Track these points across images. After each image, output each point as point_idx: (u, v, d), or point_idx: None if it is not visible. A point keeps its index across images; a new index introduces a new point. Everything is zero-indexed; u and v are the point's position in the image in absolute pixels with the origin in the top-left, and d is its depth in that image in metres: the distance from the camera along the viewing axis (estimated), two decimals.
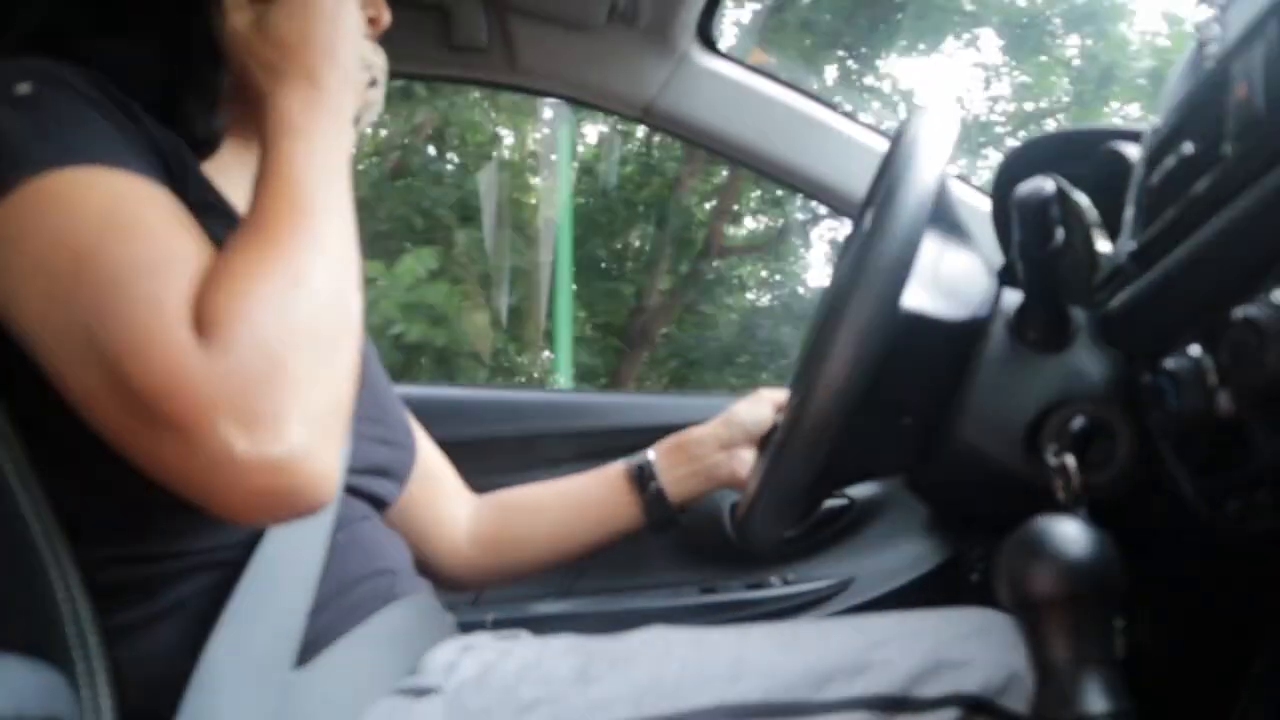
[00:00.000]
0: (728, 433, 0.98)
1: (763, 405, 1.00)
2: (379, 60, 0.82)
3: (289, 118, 0.66)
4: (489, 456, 1.23)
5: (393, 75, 0.86)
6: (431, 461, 0.99)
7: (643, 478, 0.98)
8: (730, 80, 1.34)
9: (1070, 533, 0.54)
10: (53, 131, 0.62)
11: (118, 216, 0.60)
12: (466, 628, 0.84)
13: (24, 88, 0.64)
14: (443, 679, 0.69)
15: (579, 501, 1.00)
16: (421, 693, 0.68)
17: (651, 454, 0.99)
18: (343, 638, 0.70)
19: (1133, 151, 0.74)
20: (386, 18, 0.85)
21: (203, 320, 0.56)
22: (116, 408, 0.56)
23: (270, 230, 0.61)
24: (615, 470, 1.00)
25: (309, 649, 0.68)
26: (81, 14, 0.75)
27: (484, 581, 1.03)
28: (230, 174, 0.81)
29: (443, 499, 1.00)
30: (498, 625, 0.92)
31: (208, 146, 0.77)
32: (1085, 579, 0.53)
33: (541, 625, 0.91)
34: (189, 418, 0.53)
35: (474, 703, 0.66)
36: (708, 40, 1.34)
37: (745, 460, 0.97)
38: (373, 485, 0.80)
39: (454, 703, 0.67)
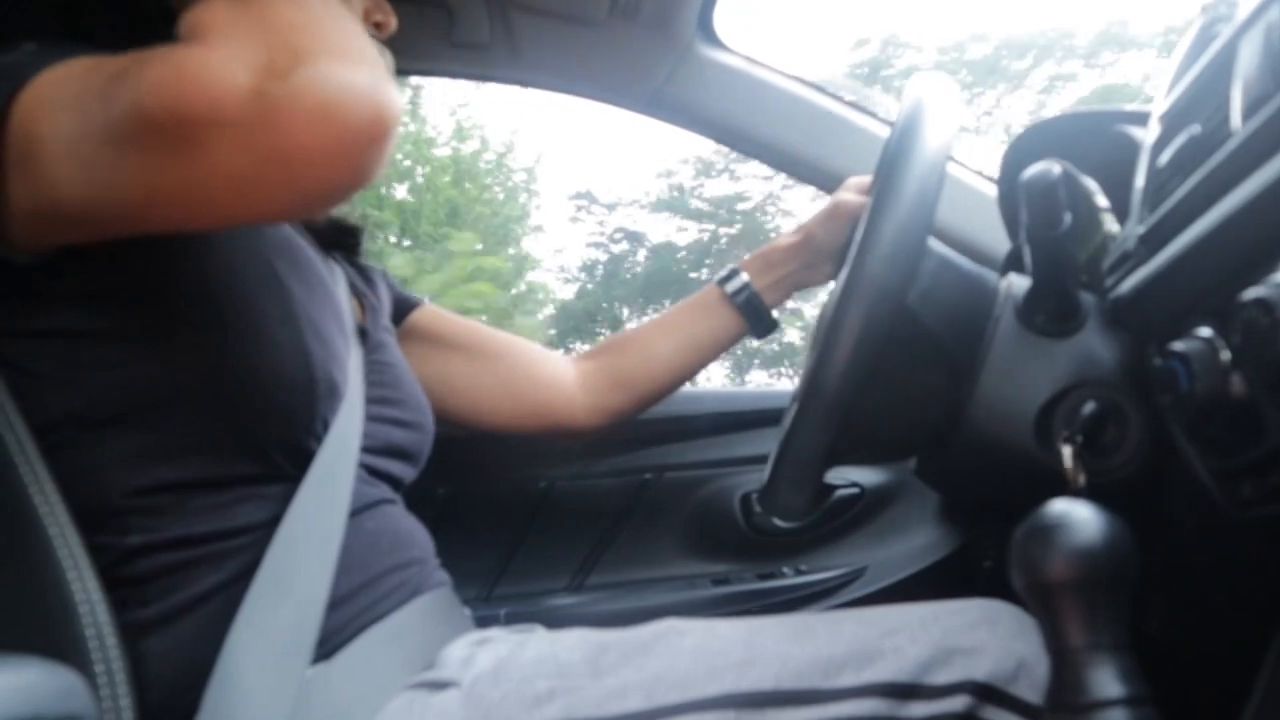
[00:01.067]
0: (806, 250, 1.08)
1: (838, 219, 1.05)
2: (386, 61, 0.83)
3: None
4: (503, 449, 1.24)
5: (397, 72, 0.86)
6: (498, 341, 1.06)
7: (738, 291, 1.07)
8: (734, 71, 1.34)
9: (1084, 517, 0.54)
10: (47, 55, 0.62)
11: (106, 63, 0.58)
12: (482, 622, 0.84)
13: (30, 45, 0.64)
14: (459, 672, 0.70)
15: (686, 327, 1.08)
16: (438, 686, 0.69)
17: (742, 272, 1.09)
18: (363, 634, 0.70)
19: (1140, 133, 0.73)
20: (393, 23, 0.86)
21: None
22: (175, 149, 0.54)
23: None
24: (709, 291, 1.10)
25: (331, 643, 0.68)
26: (92, 14, 0.76)
27: (611, 419, 1.09)
28: None
29: (536, 363, 1.06)
30: (512, 619, 0.92)
31: None
32: (1099, 564, 0.53)
33: (555, 619, 0.91)
34: (226, 96, 0.51)
35: (490, 695, 0.67)
36: (710, 32, 1.33)
37: (823, 269, 1.07)
38: (390, 466, 0.81)
39: (470, 695, 0.67)
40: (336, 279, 0.83)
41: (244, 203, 0.55)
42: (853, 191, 1.07)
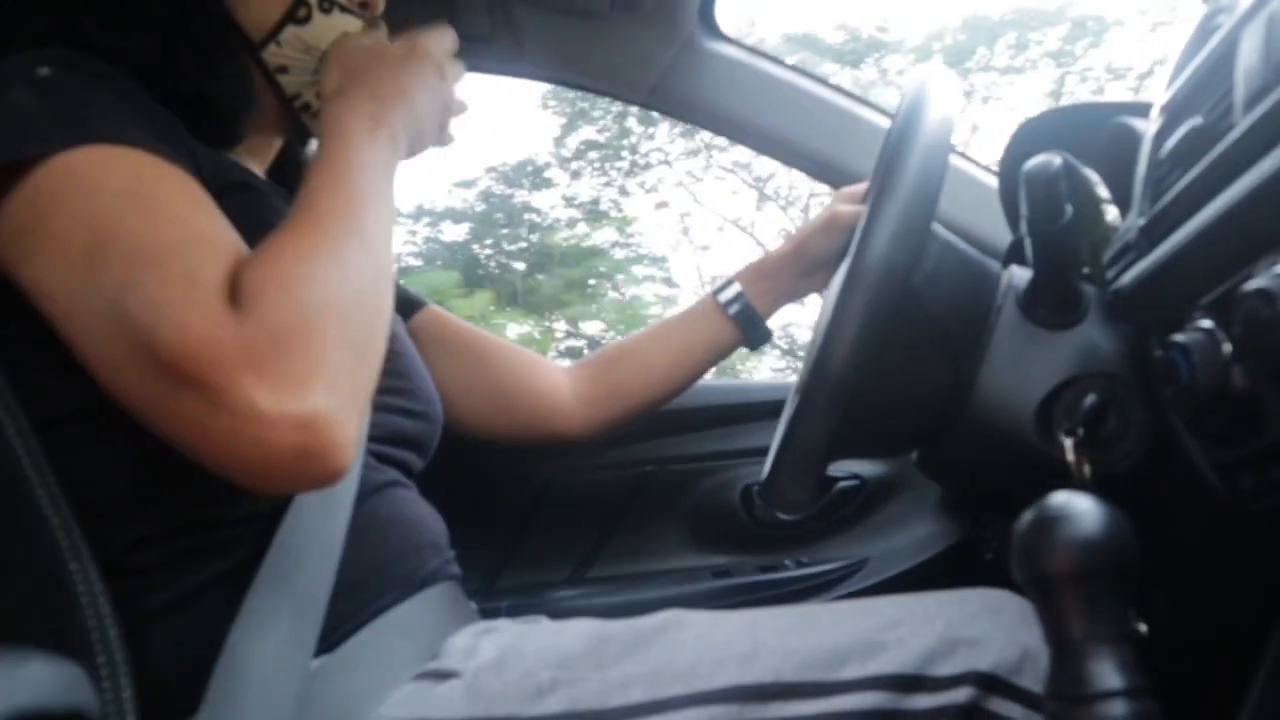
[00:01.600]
0: (800, 259, 1.07)
1: (833, 233, 1.05)
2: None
3: (349, 128, 0.70)
4: (495, 447, 1.24)
5: None
6: (495, 348, 1.07)
7: (731, 301, 1.07)
8: (735, 63, 1.34)
9: (1085, 509, 0.54)
10: (71, 111, 0.64)
11: (140, 194, 0.61)
12: (485, 613, 0.84)
13: (44, 70, 0.66)
14: (462, 662, 0.70)
15: (680, 338, 1.09)
16: (442, 677, 0.69)
17: (736, 281, 1.08)
18: (369, 625, 0.70)
19: (1141, 125, 0.73)
20: (380, 2, 0.86)
21: (240, 292, 0.58)
22: (143, 376, 0.57)
23: (316, 218, 0.64)
24: (703, 300, 1.09)
25: (338, 634, 0.68)
26: (96, 10, 0.76)
27: (604, 429, 1.09)
28: (248, 161, 0.82)
29: (531, 372, 1.07)
30: (515, 611, 0.92)
31: (229, 138, 0.77)
32: (1100, 555, 0.53)
33: (558, 610, 0.92)
34: (215, 373, 0.55)
35: (493, 686, 0.67)
36: (711, 24, 1.33)
37: (817, 278, 1.07)
38: (399, 454, 0.81)
39: (473, 686, 0.67)
40: None
41: (177, 431, 0.59)
42: (847, 201, 1.06)
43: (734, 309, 1.06)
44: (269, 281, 0.58)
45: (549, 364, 1.10)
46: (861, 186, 1.06)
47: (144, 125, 0.66)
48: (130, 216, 0.60)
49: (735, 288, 1.07)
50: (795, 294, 1.09)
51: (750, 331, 1.07)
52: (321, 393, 0.56)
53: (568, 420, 1.06)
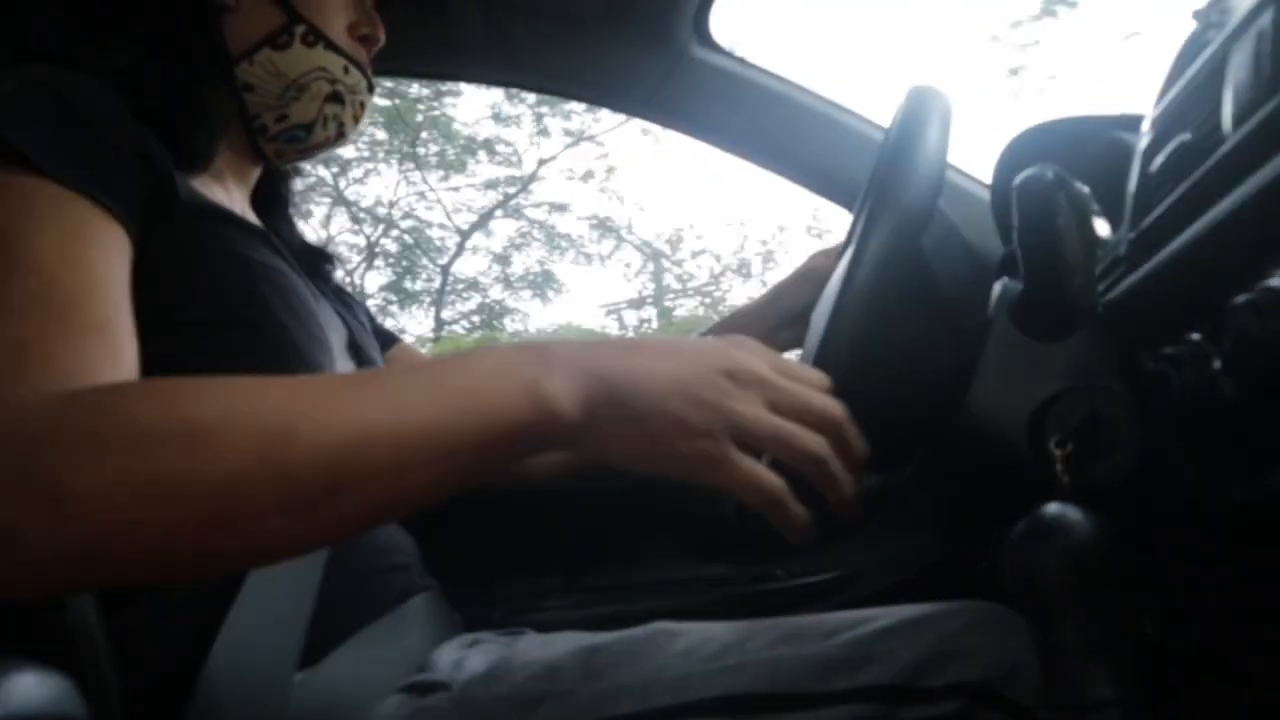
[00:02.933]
0: (774, 312, 1.07)
1: (809, 283, 1.04)
2: (349, 79, 0.83)
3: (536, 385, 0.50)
4: None
5: (391, 74, 0.87)
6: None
7: None
8: (728, 74, 1.34)
9: (1077, 520, 0.54)
10: (9, 130, 0.60)
11: (26, 230, 0.56)
12: (474, 624, 0.84)
13: (6, 86, 0.64)
14: (449, 675, 0.70)
15: None
16: (429, 689, 0.69)
17: (710, 336, 1.04)
18: (351, 637, 0.70)
19: (1132, 139, 0.74)
20: (381, 37, 0.86)
21: (109, 392, 0.48)
22: None
23: (294, 420, 0.46)
24: None
25: (319, 647, 0.68)
26: (76, 26, 0.75)
27: (571, 475, 1.07)
28: (228, 187, 0.82)
29: None
30: (504, 622, 0.92)
31: (201, 159, 0.77)
32: (1092, 566, 0.53)
33: (547, 621, 0.91)
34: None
35: (481, 698, 0.67)
36: (705, 35, 1.33)
37: (789, 333, 1.06)
38: None
39: (461, 698, 0.67)
40: (321, 304, 0.82)
41: None
42: (823, 258, 1.06)
43: None
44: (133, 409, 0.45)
45: None
46: (837, 245, 1.06)
47: (95, 162, 0.62)
48: (16, 246, 0.55)
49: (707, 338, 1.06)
50: (771, 346, 1.08)
51: None
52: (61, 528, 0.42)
53: (534, 467, 1.04)
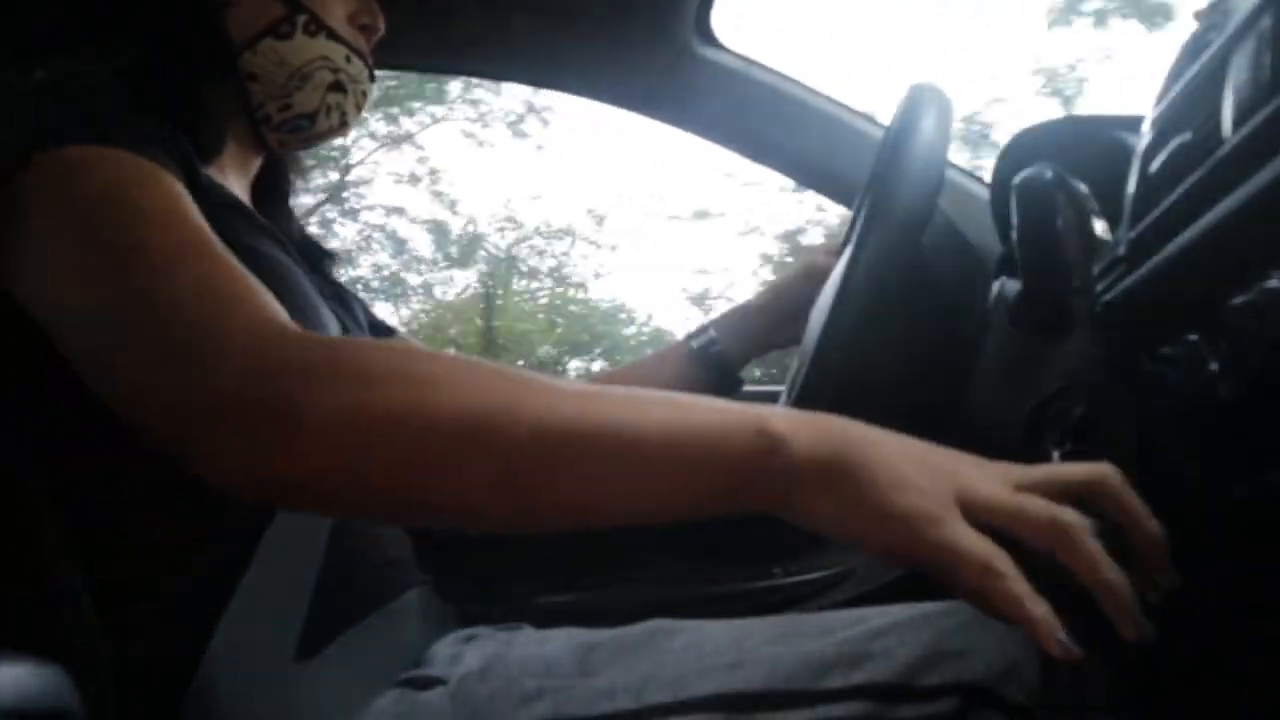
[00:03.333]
0: (776, 309, 1.07)
1: (810, 282, 1.03)
2: (352, 68, 0.83)
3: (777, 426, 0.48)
4: None
5: (392, 67, 0.87)
6: None
7: (704, 347, 1.06)
8: (730, 71, 1.34)
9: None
10: (70, 111, 0.62)
11: (128, 200, 0.59)
12: (469, 620, 0.84)
13: (40, 74, 0.65)
14: (446, 670, 0.70)
15: (647, 381, 1.06)
16: (425, 684, 0.69)
17: (711, 328, 1.07)
18: (347, 631, 0.70)
19: (1132, 139, 0.74)
20: (381, 26, 0.86)
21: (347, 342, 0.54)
22: (149, 361, 0.52)
23: (547, 401, 0.48)
24: (677, 344, 1.09)
25: (314, 642, 0.68)
26: (78, 24, 0.75)
27: None
28: (229, 176, 0.81)
29: None
30: (501, 618, 0.92)
31: (210, 150, 0.77)
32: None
33: (544, 618, 0.91)
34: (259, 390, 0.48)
35: (477, 693, 0.67)
36: (707, 31, 1.33)
37: (792, 329, 1.03)
38: None
39: (457, 694, 0.67)
40: (319, 298, 0.82)
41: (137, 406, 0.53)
42: (824, 255, 1.06)
43: (705, 355, 1.05)
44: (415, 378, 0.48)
45: None
46: (834, 244, 1.06)
47: (142, 133, 0.64)
48: (125, 217, 0.58)
49: (710, 334, 1.06)
50: (771, 343, 1.08)
51: (719, 379, 1.06)
52: (315, 444, 0.47)
53: None
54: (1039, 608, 0.44)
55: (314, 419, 0.46)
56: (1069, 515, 0.46)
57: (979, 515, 0.46)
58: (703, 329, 1.08)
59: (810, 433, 0.48)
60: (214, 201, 0.72)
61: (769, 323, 1.07)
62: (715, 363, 1.06)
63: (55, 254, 0.58)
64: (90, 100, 0.65)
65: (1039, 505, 0.46)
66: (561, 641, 0.72)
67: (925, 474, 0.47)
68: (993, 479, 0.48)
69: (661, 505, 0.48)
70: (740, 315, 1.09)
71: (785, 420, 0.48)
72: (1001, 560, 0.45)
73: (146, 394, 0.52)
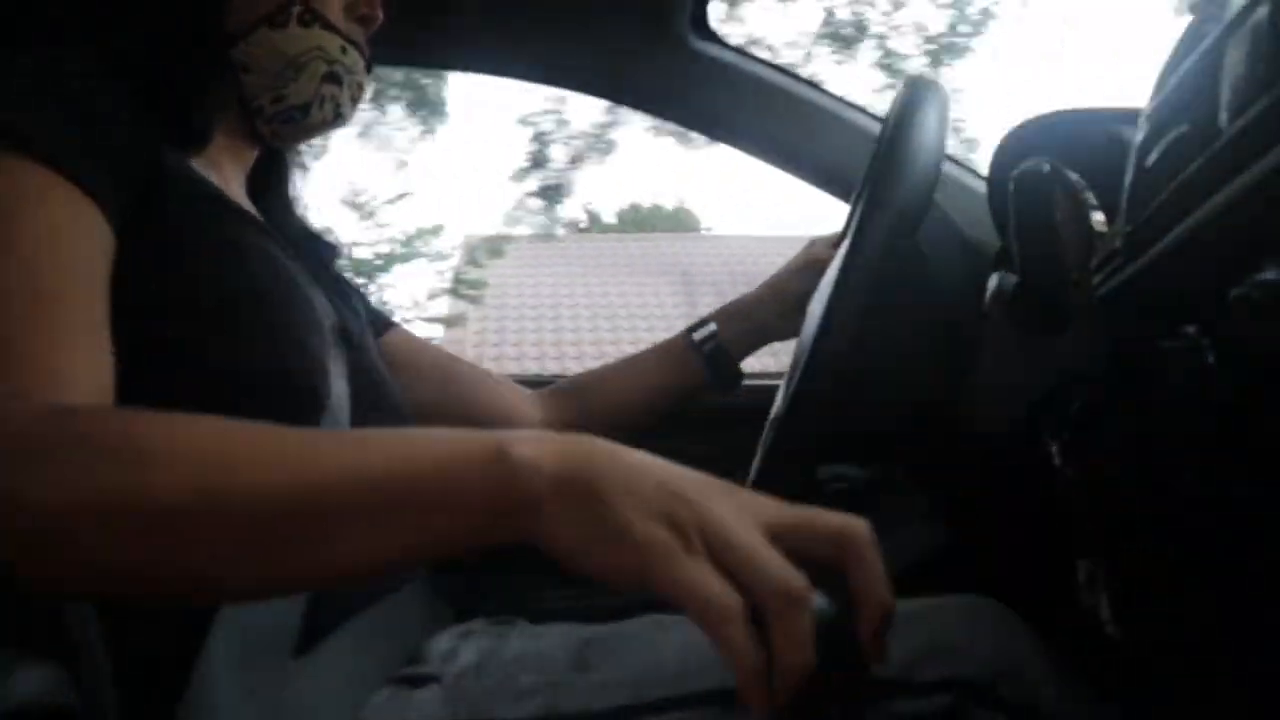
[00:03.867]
0: (777, 300, 1.07)
1: (810, 270, 1.03)
2: (347, 59, 0.83)
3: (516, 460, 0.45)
4: None
5: (388, 62, 0.86)
6: (465, 372, 1.05)
7: (704, 340, 1.06)
8: (726, 65, 1.34)
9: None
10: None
11: (12, 216, 0.58)
12: (465, 616, 0.84)
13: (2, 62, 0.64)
14: (441, 667, 0.70)
15: (653, 374, 1.07)
16: (420, 681, 0.69)
17: (712, 321, 1.07)
18: (342, 627, 0.70)
19: (1129, 132, 0.73)
20: (379, 15, 0.86)
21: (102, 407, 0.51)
22: None
23: (281, 450, 0.47)
24: (677, 337, 1.08)
25: (309, 638, 0.68)
26: (79, 5, 0.75)
27: None
28: (224, 169, 0.81)
29: (500, 399, 1.05)
30: (496, 613, 0.92)
31: (198, 139, 0.76)
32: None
33: (539, 613, 0.91)
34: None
35: (473, 690, 0.67)
36: (703, 26, 1.33)
37: (793, 321, 1.02)
38: None
39: (453, 690, 0.67)
40: (315, 290, 0.82)
41: None
42: (823, 246, 1.06)
43: (706, 348, 1.05)
44: (146, 440, 0.46)
45: (517, 388, 1.08)
46: (835, 235, 1.05)
47: (88, 147, 0.62)
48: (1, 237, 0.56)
49: (710, 327, 1.06)
50: (771, 335, 1.08)
51: (719, 373, 1.06)
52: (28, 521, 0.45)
53: None
54: (754, 662, 0.42)
55: (37, 506, 0.44)
56: (798, 586, 0.42)
57: (717, 555, 0.43)
58: (703, 321, 1.08)
59: (554, 455, 0.45)
60: (190, 193, 0.71)
61: (769, 315, 1.06)
62: (716, 355, 1.05)
63: None
64: (34, 98, 0.62)
65: (775, 566, 0.43)
66: (557, 637, 0.72)
67: (673, 502, 0.44)
68: (744, 517, 0.44)
69: (410, 549, 0.46)
70: (741, 308, 1.08)
71: (528, 443, 0.45)
72: (730, 608, 0.42)
73: None
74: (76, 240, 0.59)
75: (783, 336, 1.08)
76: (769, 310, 1.07)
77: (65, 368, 0.53)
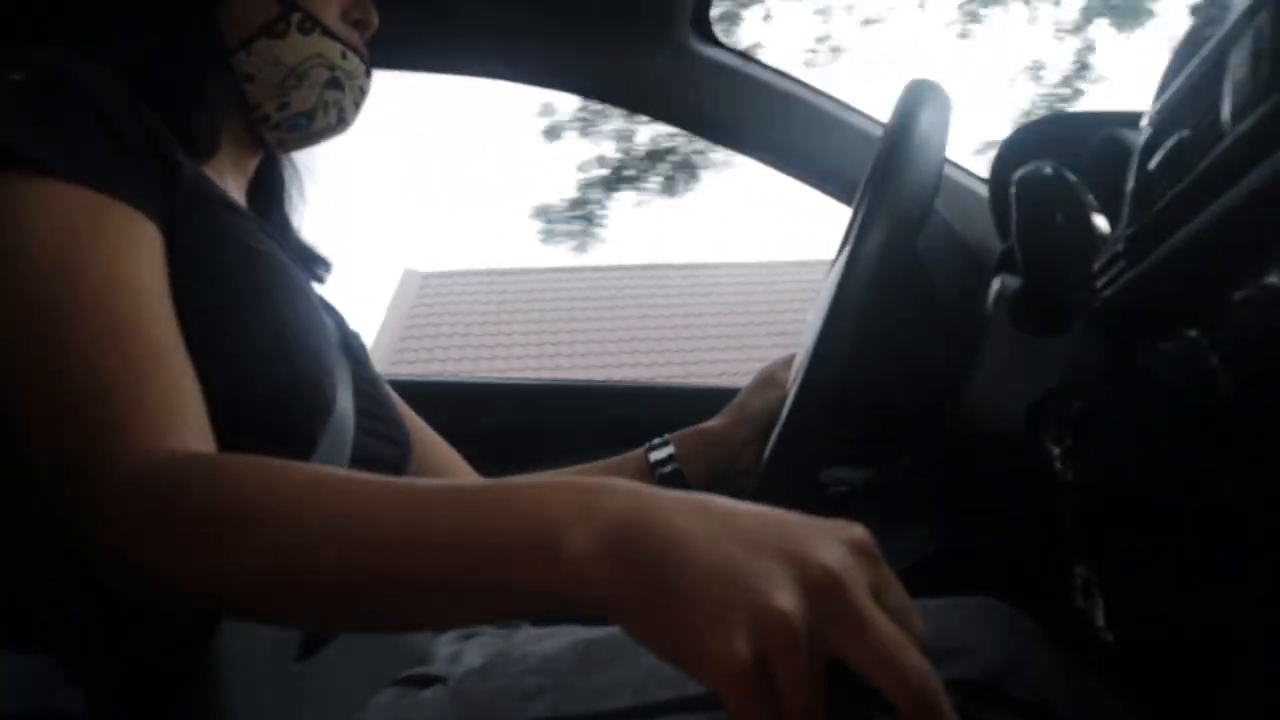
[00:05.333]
0: (741, 424, 1.00)
1: (771, 390, 1.00)
2: (348, 65, 0.83)
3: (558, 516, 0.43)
4: (501, 448, 1.23)
5: (389, 67, 0.86)
6: (437, 455, 0.99)
7: (661, 463, 0.99)
8: (728, 69, 1.34)
9: None
10: (28, 129, 0.61)
11: (74, 249, 0.58)
12: None
13: (16, 75, 0.63)
14: (446, 668, 0.70)
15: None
16: (426, 682, 0.69)
17: (670, 443, 1.01)
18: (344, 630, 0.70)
19: (1131, 135, 0.74)
20: (374, 20, 0.86)
21: (197, 458, 0.54)
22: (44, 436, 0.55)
23: (368, 505, 0.48)
24: (637, 454, 1.02)
25: (315, 641, 0.68)
26: (73, 22, 0.75)
27: None
28: (225, 177, 0.81)
29: (449, 463, 1.00)
30: None
31: (206, 148, 0.77)
32: None
33: (545, 615, 0.91)
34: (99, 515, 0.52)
35: (478, 691, 0.67)
36: (705, 29, 1.33)
37: (753, 449, 0.98)
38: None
39: (458, 692, 0.67)
40: (320, 305, 0.82)
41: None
42: (780, 366, 1.02)
43: (663, 471, 0.99)
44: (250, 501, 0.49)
45: (464, 463, 1.03)
46: (791, 357, 1.00)
47: (113, 156, 0.63)
48: (69, 275, 0.57)
49: (669, 449, 0.99)
50: (731, 467, 0.99)
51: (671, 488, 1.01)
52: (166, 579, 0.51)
53: None
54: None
55: (166, 574, 0.50)
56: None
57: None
58: (664, 441, 1.01)
59: (618, 552, 0.41)
60: (208, 197, 0.72)
61: (729, 450, 0.99)
62: (670, 480, 0.98)
63: None
64: (61, 118, 0.63)
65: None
66: (562, 639, 0.72)
67: (741, 601, 0.39)
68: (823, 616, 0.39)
69: (483, 616, 0.53)
70: (701, 437, 1.01)
71: (593, 536, 0.42)
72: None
73: (49, 471, 0.54)
74: (140, 260, 0.60)
75: (738, 468, 0.99)
76: (729, 445, 0.99)
77: (161, 404, 0.55)
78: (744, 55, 1.35)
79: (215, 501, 0.49)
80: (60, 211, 0.59)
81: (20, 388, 0.56)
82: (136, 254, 0.61)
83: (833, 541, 0.41)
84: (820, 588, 0.39)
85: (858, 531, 0.42)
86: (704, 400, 1.35)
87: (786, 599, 0.38)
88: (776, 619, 0.38)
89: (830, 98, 1.35)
